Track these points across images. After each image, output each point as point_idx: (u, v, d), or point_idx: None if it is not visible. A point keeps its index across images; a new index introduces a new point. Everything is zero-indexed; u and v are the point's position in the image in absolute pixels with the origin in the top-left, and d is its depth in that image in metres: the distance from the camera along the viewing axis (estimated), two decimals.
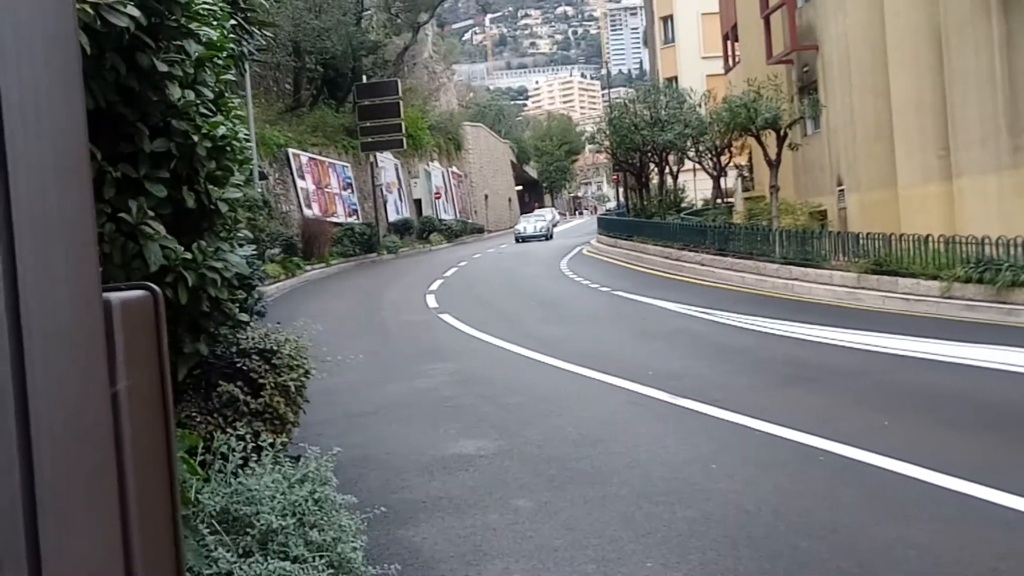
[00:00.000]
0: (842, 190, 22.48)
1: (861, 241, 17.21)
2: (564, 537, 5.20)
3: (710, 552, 4.84)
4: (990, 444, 6.89)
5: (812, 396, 8.99)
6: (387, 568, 4.23)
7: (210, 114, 4.90)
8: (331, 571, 3.91)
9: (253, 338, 5.86)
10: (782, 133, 21.31)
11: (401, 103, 39.24)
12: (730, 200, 34.31)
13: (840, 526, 5.15)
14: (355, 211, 39.54)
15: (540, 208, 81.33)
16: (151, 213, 4.29)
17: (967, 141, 18.40)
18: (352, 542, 4.14)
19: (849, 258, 17.41)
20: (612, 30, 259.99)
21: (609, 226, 36.40)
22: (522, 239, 48.33)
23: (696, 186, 44.14)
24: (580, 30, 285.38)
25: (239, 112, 5.78)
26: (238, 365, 5.59)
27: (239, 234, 5.99)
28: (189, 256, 4.54)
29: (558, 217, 79.42)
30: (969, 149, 18.35)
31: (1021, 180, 17.21)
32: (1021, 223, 15.35)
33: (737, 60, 35.11)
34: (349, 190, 39.52)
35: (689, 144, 31.04)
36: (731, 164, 32.18)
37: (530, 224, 50.69)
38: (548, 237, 48.84)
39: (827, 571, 4.53)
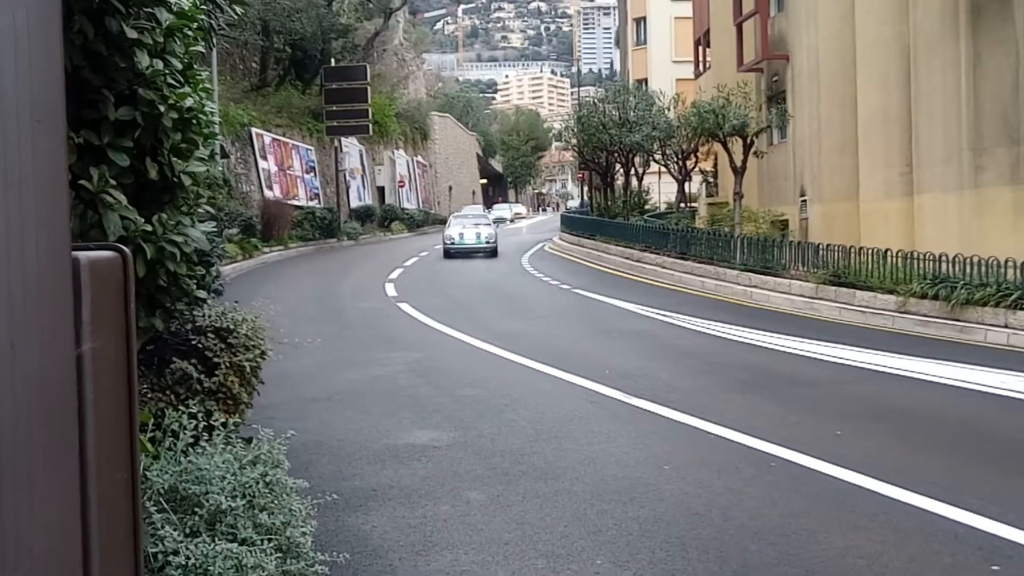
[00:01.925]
0: (805, 200, 22.70)
1: (821, 252, 17.39)
2: (515, 531, 5.18)
3: (660, 552, 4.85)
4: (941, 458, 6.98)
5: (767, 402, 9.05)
6: (336, 556, 4.18)
7: (178, 85, 4.80)
8: (279, 555, 3.85)
9: (210, 316, 5.77)
10: (749, 141, 21.47)
11: (369, 88, 38.97)
12: (694, 205, 34.51)
13: (790, 532, 5.19)
14: (317, 195, 39.22)
15: (502, 203, 78.48)
16: (112, 182, 4.19)
17: (930, 159, 18.67)
18: (302, 527, 4.08)
19: (808, 268, 17.59)
20: (584, 28, 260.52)
21: (572, 224, 36.45)
22: (453, 252, 29.87)
23: (661, 189, 44.34)
24: (552, 26, 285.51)
25: (207, 85, 5.68)
26: (193, 342, 5.51)
27: (200, 210, 5.90)
28: (149, 228, 4.45)
29: (520, 213, 76.14)
30: (932, 167, 18.61)
31: (980, 200, 17.49)
32: (978, 242, 15.60)
33: (708, 66, 35.31)
34: (312, 173, 39.20)
35: (656, 147, 31.16)
36: (696, 169, 32.35)
37: (468, 230, 30.85)
38: (492, 252, 30.08)
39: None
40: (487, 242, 30.15)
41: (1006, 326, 12.99)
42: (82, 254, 0.80)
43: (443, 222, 59.17)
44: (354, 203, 44.27)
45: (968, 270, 14.07)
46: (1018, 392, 9.33)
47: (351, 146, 44.40)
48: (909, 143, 19.36)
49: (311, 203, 37.55)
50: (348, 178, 43.63)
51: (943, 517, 5.37)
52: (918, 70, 18.98)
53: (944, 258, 14.62)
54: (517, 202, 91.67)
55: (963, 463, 6.83)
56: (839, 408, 8.76)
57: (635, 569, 4.62)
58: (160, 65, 4.58)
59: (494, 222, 58.76)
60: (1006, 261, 13.66)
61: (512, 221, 70.07)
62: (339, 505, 5.35)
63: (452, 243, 29.89)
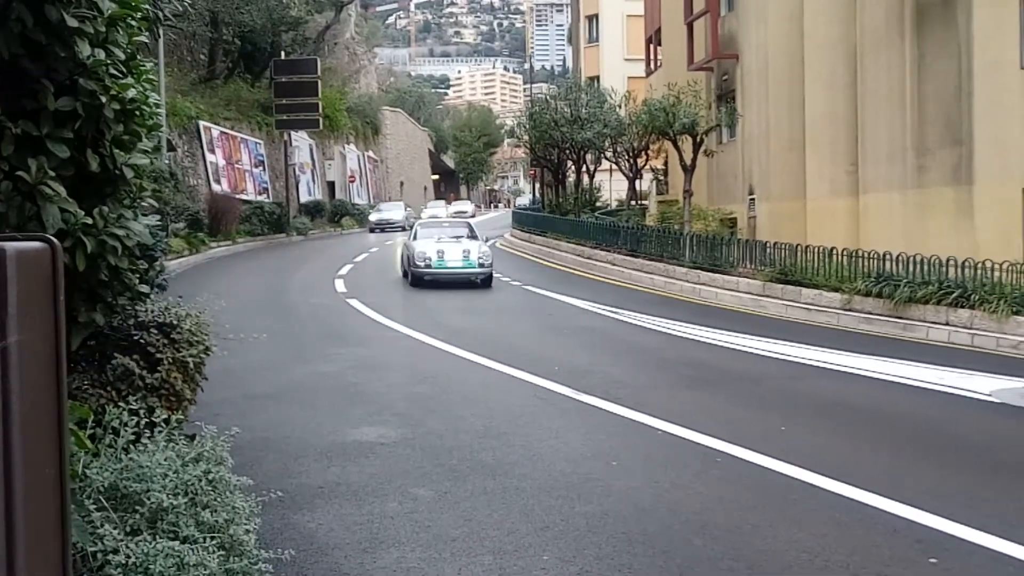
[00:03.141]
0: (753, 199, 22.95)
1: (768, 250, 17.60)
2: (462, 527, 5.17)
3: (606, 547, 4.87)
4: (882, 453, 7.10)
5: (713, 398, 9.15)
6: (280, 553, 4.14)
7: (121, 75, 4.71)
8: (222, 553, 3.80)
9: (153, 311, 5.67)
10: (698, 139, 21.64)
11: (319, 82, 38.59)
12: (644, 202, 34.70)
13: (734, 526, 5.24)
14: (266, 190, 38.81)
15: (436, 201, 71.04)
16: (52, 174, 4.11)
17: (875, 158, 19.00)
18: (245, 524, 4.03)
19: (756, 266, 17.79)
20: (537, 25, 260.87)
21: (524, 221, 36.48)
22: (428, 279, 19.50)
23: (612, 186, 44.53)
24: (505, 22, 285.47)
25: (151, 76, 5.58)
26: (135, 338, 5.41)
27: (143, 203, 5.80)
28: (90, 221, 4.37)
29: (464, 211, 66.31)
30: (877, 166, 18.95)
31: (924, 199, 17.85)
32: (921, 241, 15.92)
33: (659, 64, 35.55)
34: (261, 168, 38.77)
35: (607, 144, 31.28)
36: (647, 167, 32.55)
37: (450, 247, 19.96)
38: (487, 280, 19.72)
39: (719, 570, 4.60)
40: (480, 264, 19.23)
41: (947, 323, 13.27)
42: (8, 245, 0.78)
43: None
44: (304, 198, 43.87)
45: (911, 268, 14.34)
46: (957, 389, 9.53)
47: (301, 140, 43.98)
48: (855, 142, 19.68)
49: (260, 197, 37.14)
50: (298, 173, 43.22)
51: (883, 511, 5.47)
52: (864, 70, 19.30)
53: (888, 256, 14.89)
54: (467, 198, 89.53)
55: (904, 458, 6.96)
56: (784, 404, 8.89)
57: (582, 564, 4.63)
58: (102, 55, 4.50)
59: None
60: (947, 260, 13.95)
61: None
62: (285, 503, 5.30)
63: (427, 265, 19.08)
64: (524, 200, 74.56)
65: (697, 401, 9.00)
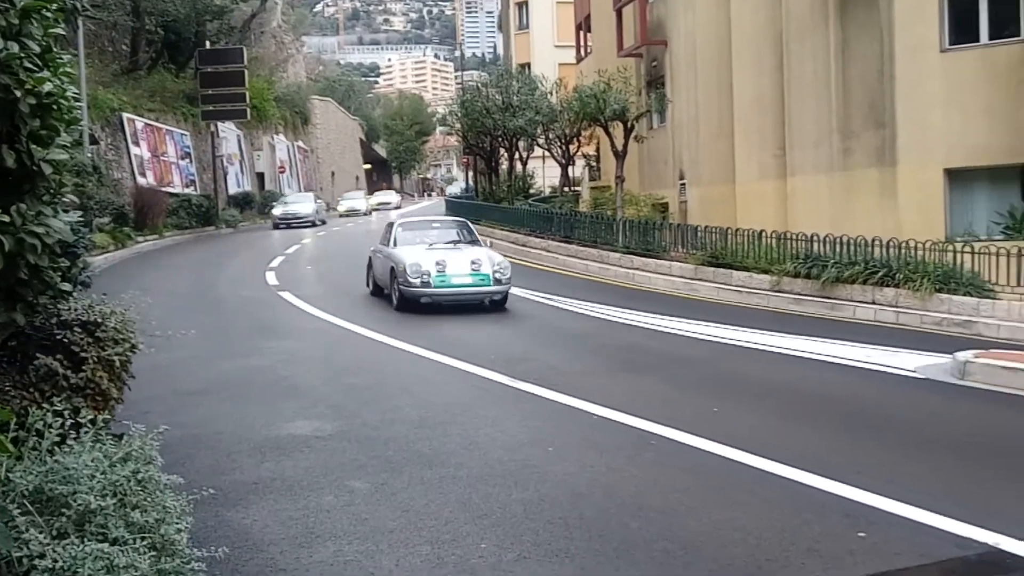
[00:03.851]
0: (684, 183, 23.21)
1: (699, 234, 17.83)
2: (399, 519, 5.16)
3: (543, 533, 4.90)
4: (811, 431, 7.26)
5: (647, 382, 9.26)
6: (214, 551, 4.08)
7: (36, 69, 4.57)
8: (153, 553, 3.73)
9: (76, 309, 5.54)
10: (629, 125, 21.80)
11: (246, 72, 38.03)
12: (577, 189, 34.91)
13: (668, 508, 5.31)
14: (193, 182, 38.09)
15: (354, 192, 62.04)
16: None
17: (802, 142, 19.35)
18: (176, 523, 3.96)
19: (688, 250, 18.01)
20: (468, 12, 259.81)
21: (457, 209, 36.42)
22: (425, 300, 14.12)
23: (545, 173, 44.66)
24: (435, 10, 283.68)
25: (69, 69, 5.43)
26: (58, 337, 5.28)
27: (64, 199, 5.66)
28: (7, 219, 4.24)
29: (387, 202, 61.92)
30: (804, 149, 19.30)
31: (849, 181, 18.24)
32: (847, 222, 16.27)
33: (589, 50, 35.70)
34: (187, 160, 38.03)
35: (539, 131, 31.38)
36: (579, 153, 32.70)
37: (452, 256, 14.60)
38: (503, 299, 14.59)
39: (653, 551, 4.66)
40: (497, 279, 14.22)
41: (873, 302, 13.59)
42: None
43: (326, 208, 50.09)
44: (232, 190, 43.15)
45: (838, 249, 14.64)
46: (883, 366, 9.78)
47: (228, 131, 43.26)
48: (783, 126, 20.01)
49: (187, 190, 36.43)
50: (226, 164, 42.52)
51: (813, 488, 5.58)
52: (790, 55, 19.62)
53: (816, 238, 15.18)
54: (399, 188, 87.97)
55: (831, 435, 7.12)
56: (717, 386, 9.03)
57: (519, 551, 4.65)
58: (16, 48, 4.35)
59: (347, 214, 46.67)
60: (873, 240, 14.27)
61: (368, 214, 53.09)
62: (218, 500, 5.22)
63: (424, 283, 13.95)
64: (456, 188, 74.19)
65: (632, 385, 9.09)
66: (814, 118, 19.00)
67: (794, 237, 15.72)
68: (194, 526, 4.31)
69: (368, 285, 16.48)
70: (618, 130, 21.99)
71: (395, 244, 15.43)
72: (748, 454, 6.27)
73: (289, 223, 38.33)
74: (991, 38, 16.80)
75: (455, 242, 15.69)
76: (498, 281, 14.14)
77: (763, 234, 16.25)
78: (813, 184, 18.95)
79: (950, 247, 14.08)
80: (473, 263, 14.29)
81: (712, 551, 4.66)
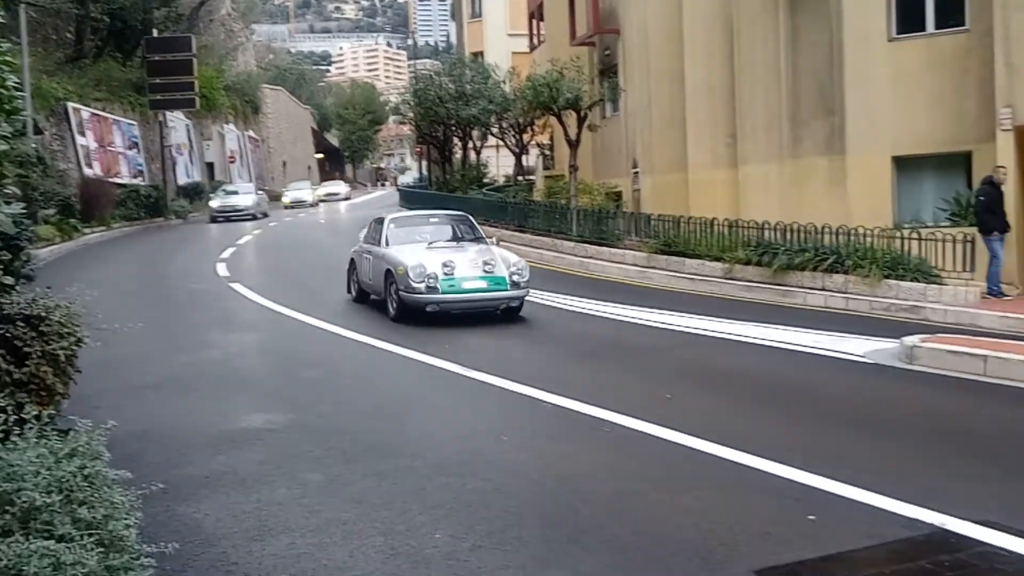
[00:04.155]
0: (637, 172, 23.30)
1: (652, 222, 17.93)
2: (353, 510, 5.13)
3: (497, 521, 4.90)
4: (762, 416, 7.35)
5: (601, 370, 9.30)
6: (164, 546, 4.02)
7: None
8: (101, 550, 3.67)
9: (19, 303, 5.43)
10: (582, 114, 21.81)
11: (195, 60, 37.41)
12: (531, 178, 34.89)
13: (621, 494, 5.34)
14: (141, 172, 37.45)
15: (300, 182, 57.42)
16: None
17: (753, 130, 19.51)
18: (125, 519, 3.90)
19: (641, 239, 18.11)
20: (420, 0, 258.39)
21: (411, 199, 36.31)
22: (432, 308, 12.01)
23: (499, 162, 44.63)
24: None
25: (9, 58, 5.31)
26: (1, 332, 5.17)
27: (6, 191, 5.54)
28: None
29: (336, 193, 58.70)
30: (754, 138, 19.46)
31: (799, 170, 18.45)
32: (798, 209, 16.45)
33: (542, 39, 35.64)
34: (135, 150, 37.38)
35: (493, 120, 31.28)
36: (533, 142, 32.69)
37: (459, 257, 12.60)
38: (519, 305, 12.67)
39: (605, 536, 4.68)
40: (514, 283, 12.32)
41: (823, 289, 13.78)
42: None
43: (278, 198, 49.61)
44: (181, 180, 42.50)
45: (789, 236, 14.82)
46: (833, 351, 9.93)
47: (177, 120, 42.59)
48: (734, 115, 20.15)
49: (135, 181, 35.80)
50: (174, 154, 41.86)
51: (764, 472, 5.65)
52: (740, 44, 19.75)
53: (767, 225, 15.34)
54: (350, 178, 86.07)
55: (783, 421, 7.22)
56: (670, 373, 9.10)
57: (474, 540, 4.65)
58: None
59: (292, 206, 44.11)
60: (823, 227, 14.46)
61: (315, 205, 50.93)
62: (169, 494, 5.15)
63: (430, 288, 11.94)
64: (409, 178, 73.74)
65: (585, 373, 9.14)
66: (764, 107, 19.17)
67: (746, 225, 15.87)
68: (144, 521, 4.25)
69: (350, 291, 14.50)
70: (571, 119, 22.00)
71: (388, 243, 13.20)
72: (700, 439, 6.32)
73: (228, 216, 36.01)
74: (937, 28, 17.05)
75: (457, 239, 13.67)
76: (516, 285, 12.26)
77: (715, 222, 16.38)
78: (764, 172, 19.13)
79: (898, 234, 14.32)
80: (486, 264, 12.35)
81: (664, 536, 4.70)
